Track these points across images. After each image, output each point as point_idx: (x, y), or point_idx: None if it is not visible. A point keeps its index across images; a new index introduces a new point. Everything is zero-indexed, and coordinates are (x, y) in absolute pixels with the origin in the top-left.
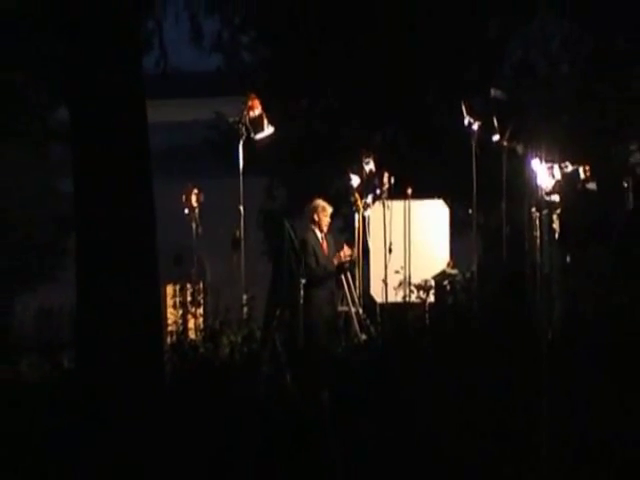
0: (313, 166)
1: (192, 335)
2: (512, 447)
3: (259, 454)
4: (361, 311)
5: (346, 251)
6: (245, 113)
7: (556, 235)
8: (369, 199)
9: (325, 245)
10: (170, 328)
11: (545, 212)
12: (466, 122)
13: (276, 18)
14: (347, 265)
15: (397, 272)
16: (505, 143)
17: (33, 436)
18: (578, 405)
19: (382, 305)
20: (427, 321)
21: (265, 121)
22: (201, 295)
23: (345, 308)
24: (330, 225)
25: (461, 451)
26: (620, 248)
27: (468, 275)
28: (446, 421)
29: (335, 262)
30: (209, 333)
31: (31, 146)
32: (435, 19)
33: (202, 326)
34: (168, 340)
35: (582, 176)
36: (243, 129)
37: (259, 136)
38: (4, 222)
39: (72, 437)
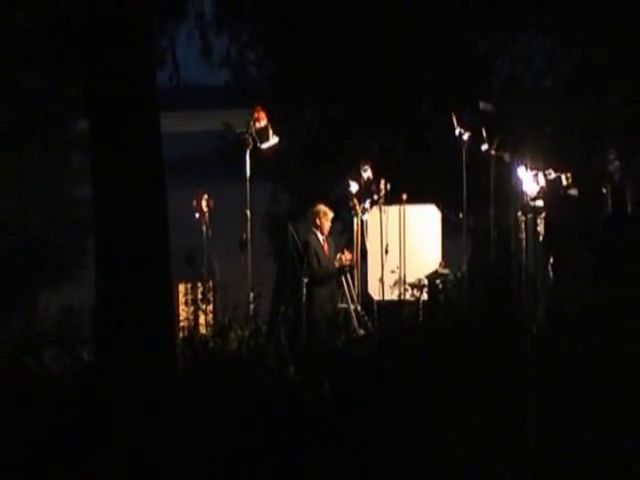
0: (315, 173)
1: (202, 330)
2: (499, 435)
3: (264, 441)
4: (359, 308)
5: (347, 255)
6: (252, 124)
7: (540, 238)
8: (367, 204)
9: (326, 247)
10: (182, 324)
11: (530, 216)
12: (457, 133)
13: (280, 36)
14: (347, 268)
15: (393, 272)
16: (493, 152)
17: (54, 424)
18: (561, 397)
19: (379, 302)
20: (421, 317)
21: (270, 132)
22: (211, 293)
23: (344, 305)
24: (331, 228)
25: (451, 436)
26: (601, 250)
27: (459, 275)
28: (438, 409)
29: (337, 265)
30: (218, 328)
31: (53, 154)
32: (429, 38)
33: (212, 322)
34: (180, 335)
35: (564, 183)
36: (250, 139)
37: (265, 145)
38: (27, 225)
39: (90, 426)
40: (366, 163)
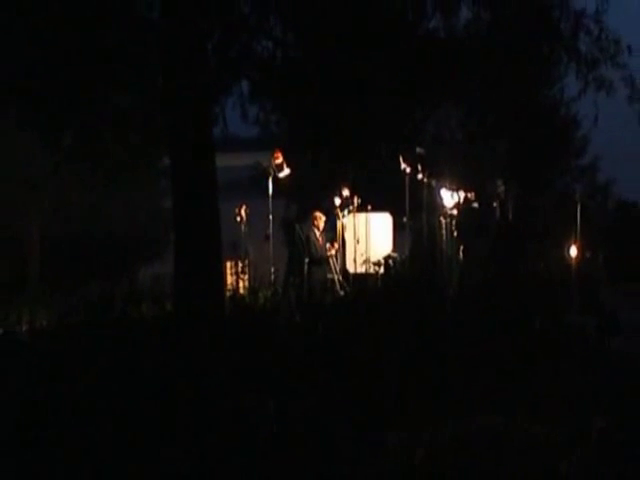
0: (313, 192)
1: (241, 291)
2: (429, 354)
3: (281, 361)
4: (341, 278)
5: (332, 247)
6: (273, 161)
7: (454, 234)
8: (345, 212)
9: (321, 239)
10: (228, 287)
11: (448, 220)
12: (402, 167)
13: (290, 110)
14: (332, 255)
15: (362, 255)
16: (425, 179)
17: (148, 352)
18: (468, 330)
19: (353, 274)
20: (379, 284)
21: (284, 166)
22: (247, 268)
23: (331, 276)
24: (324, 227)
25: (398, 350)
26: (492, 243)
27: (403, 257)
28: (389, 334)
29: (327, 253)
30: (251, 290)
31: (148, 181)
32: (385, 108)
33: (247, 286)
34: (227, 294)
35: (470, 199)
36: (271, 170)
37: (281, 175)
38: (133, 224)
39: (172, 352)
40: (345, 186)
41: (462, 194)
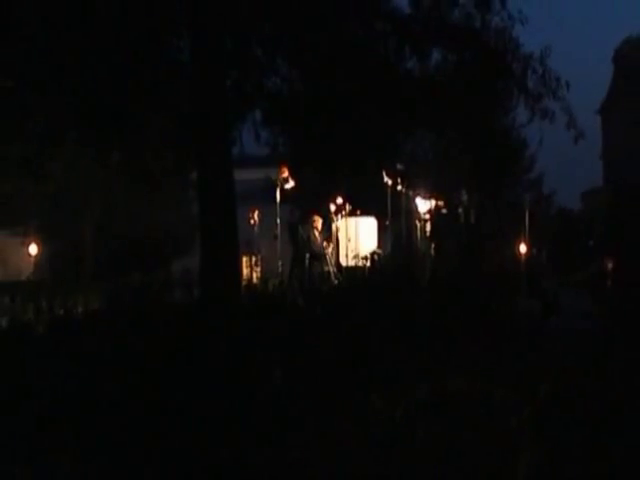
0: (312, 200)
1: (255, 281)
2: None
3: (285, 333)
4: (335, 270)
5: (328, 245)
6: (280, 175)
7: (427, 235)
8: (339, 216)
9: (319, 239)
10: (244, 278)
11: (422, 223)
12: (385, 180)
13: (295, 134)
14: (328, 251)
15: (352, 251)
16: (404, 190)
17: (180, 327)
18: (438, 310)
19: (345, 267)
20: (366, 274)
21: (289, 179)
22: (259, 262)
23: (327, 268)
24: (321, 228)
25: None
26: (457, 241)
27: (386, 253)
28: (372, 312)
29: (324, 250)
30: (262, 280)
31: (178, 191)
32: (374, 135)
33: (259, 277)
34: (243, 283)
35: (440, 206)
36: (278, 182)
37: (287, 186)
38: (167, 227)
39: (198, 327)
40: (339, 195)
41: (433, 202)
